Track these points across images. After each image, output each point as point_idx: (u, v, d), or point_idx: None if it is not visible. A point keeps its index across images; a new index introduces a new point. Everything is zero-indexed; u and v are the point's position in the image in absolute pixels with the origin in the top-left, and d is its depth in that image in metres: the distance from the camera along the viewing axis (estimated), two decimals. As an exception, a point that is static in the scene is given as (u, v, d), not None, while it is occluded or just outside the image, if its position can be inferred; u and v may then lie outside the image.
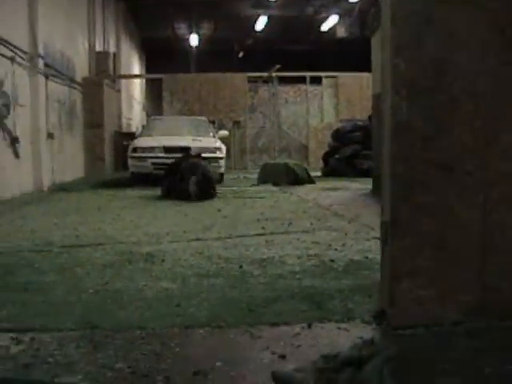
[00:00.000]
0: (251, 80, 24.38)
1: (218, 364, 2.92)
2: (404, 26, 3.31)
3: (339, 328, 3.42)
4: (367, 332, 3.32)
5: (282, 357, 2.98)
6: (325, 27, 30.44)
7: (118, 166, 20.86)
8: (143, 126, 19.40)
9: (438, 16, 3.31)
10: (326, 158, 18.98)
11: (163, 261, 5.38)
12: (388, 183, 3.42)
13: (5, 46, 11.79)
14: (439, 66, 3.34)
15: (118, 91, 23.58)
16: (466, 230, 3.36)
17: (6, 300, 4.07)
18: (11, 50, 12.15)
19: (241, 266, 5.09)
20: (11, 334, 3.33)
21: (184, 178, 11.47)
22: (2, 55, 11.70)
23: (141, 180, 14.64)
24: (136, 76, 31.27)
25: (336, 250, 5.82)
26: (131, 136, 18.64)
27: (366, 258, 5.38)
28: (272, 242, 6.30)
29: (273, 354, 3.02)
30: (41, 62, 13.84)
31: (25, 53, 13.07)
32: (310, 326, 3.43)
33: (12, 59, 12.17)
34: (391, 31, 3.34)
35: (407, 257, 3.35)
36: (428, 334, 3.25)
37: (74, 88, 18.12)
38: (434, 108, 3.34)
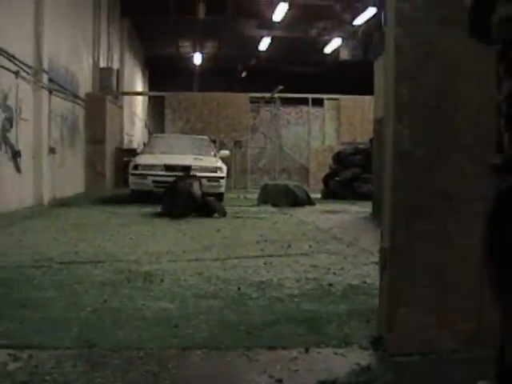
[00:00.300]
0: (253, 100, 24.47)
1: (215, 387, 2.93)
2: (407, 56, 3.35)
3: (336, 353, 3.43)
4: (364, 358, 3.33)
5: (279, 381, 2.98)
6: (328, 49, 30.58)
7: (118, 183, 20.87)
8: (145, 144, 19.45)
9: (440, 47, 3.35)
10: (327, 180, 19.01)
11: (162, 280, 5.38)
12: (388, 210, 3.45)
13: (10, 60, 11.86)
14: (441, 96, 3.37)
15: (121, 107, 23.67)
16: (465, 259, 3.37)
17: (5, 315, 4.08)
18: (16, 64, 12.22)
19: (239, 288, 5.10)
20: (9, 351, 3.32)
21: (181, 193, 11.67)
22: (7, 69, 11.76)
23: (141, 197, 14.64)
24: (139, 93, 31.40)
25: (334, 273, 5.83)
26: (132, 153, 18.68)
27: (365, 282, 5.39)
28: (271, 265, 6.31)
29: (270, 377, 3.03)
30: (45, 77, 13.93)
31: (29, 67, 13.15)
32: (307, 351, 3.44)
33: (16, 73, 12.24)
34: (394, 60, 3.38)
35: (406, 283, 3.36)
36: (425, 362, 3.25)
37: (77, 103, 18.20)
38: (436, 136, 3.37)
